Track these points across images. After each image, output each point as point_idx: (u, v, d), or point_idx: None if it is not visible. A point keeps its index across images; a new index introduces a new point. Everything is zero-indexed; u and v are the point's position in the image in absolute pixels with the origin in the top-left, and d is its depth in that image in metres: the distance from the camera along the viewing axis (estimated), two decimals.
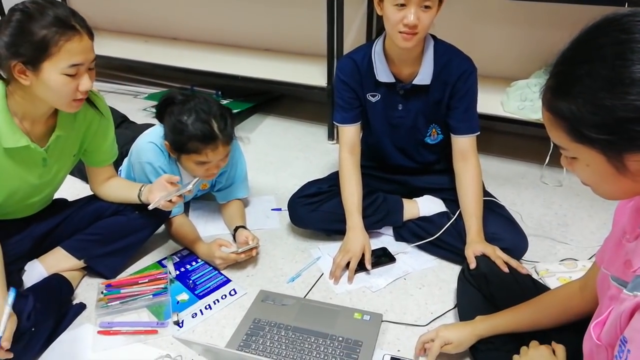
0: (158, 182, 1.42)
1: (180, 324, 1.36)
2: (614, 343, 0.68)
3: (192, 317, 1.40)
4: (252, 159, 2.20)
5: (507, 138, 2.43)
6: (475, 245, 1.40)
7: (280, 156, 2.34)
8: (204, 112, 1.47)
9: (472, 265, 1.34)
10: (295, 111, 2.81)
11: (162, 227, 1.70)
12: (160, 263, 1.61)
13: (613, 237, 0.86)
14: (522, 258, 1.53)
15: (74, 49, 1.13)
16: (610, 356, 0.70)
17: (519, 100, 2.05)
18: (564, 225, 1.80)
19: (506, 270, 1.31)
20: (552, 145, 1.96)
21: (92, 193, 1.56)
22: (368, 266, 1.51)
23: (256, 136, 2.56)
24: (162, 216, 1.58)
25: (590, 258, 1.60)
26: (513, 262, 1.34)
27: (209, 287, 1.50)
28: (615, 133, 0.64)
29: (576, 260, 1.59)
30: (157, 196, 1.38)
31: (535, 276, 1.47)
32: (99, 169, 1.51)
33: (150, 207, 1.37)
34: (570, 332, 1.07)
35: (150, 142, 1.61)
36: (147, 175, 1.59)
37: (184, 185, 1.40)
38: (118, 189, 1.52)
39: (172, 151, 1.55)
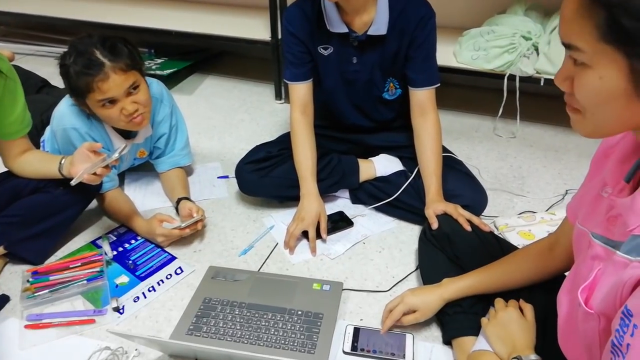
0: (79, 153, 1.25)
1: (121, 310, 1.23)
2: (610, 313, 0.61)
3: (134, 301, 1.27)
4: (194, 123, 2.05)
5: (459, 90, 2.38)
6: (436, 205, 1.34)
7: (224, 119, 2.20)
8: (83, 45, 1.33)
9: (434, 225, 1.28)
10: (238, 69, 2.65)
11: (95, 202, 1.53)
12: (94, 243, 1.46)
13: (589, 191, 0.79)
14: (482, 214, 1.49)
15: None
16: (603, 326, 0.63)
17: (472, 49, 1.97)
18: (519, 177, 1.78)
19: (469, 228, 1.25)
20: (505, 96, 1.96)
21: (6, 169, 1.37)
22: (324, 235, 1.43)
23: (196, 98, 2.39)
24: (91, 191, 1.40)
25: (547, 210, 1.59)
26: (475, 220, 1.29)
27: (152, 266, 1.37)
28: None
29: (534, 212, 1.57)
30: (79, 169, 1.21)
31: (495, 232, 1.43)
32: (10, 142, 1.31)
33: (72, 183, 1.21)
34: (538, 290, 1.04)
35: (73, 105, 1.42)
36: (74, 143, 1.41)
37: (110, 154, 1.24)
38: (35, 163, 1.33)
39: (80, 104, 1.40)
